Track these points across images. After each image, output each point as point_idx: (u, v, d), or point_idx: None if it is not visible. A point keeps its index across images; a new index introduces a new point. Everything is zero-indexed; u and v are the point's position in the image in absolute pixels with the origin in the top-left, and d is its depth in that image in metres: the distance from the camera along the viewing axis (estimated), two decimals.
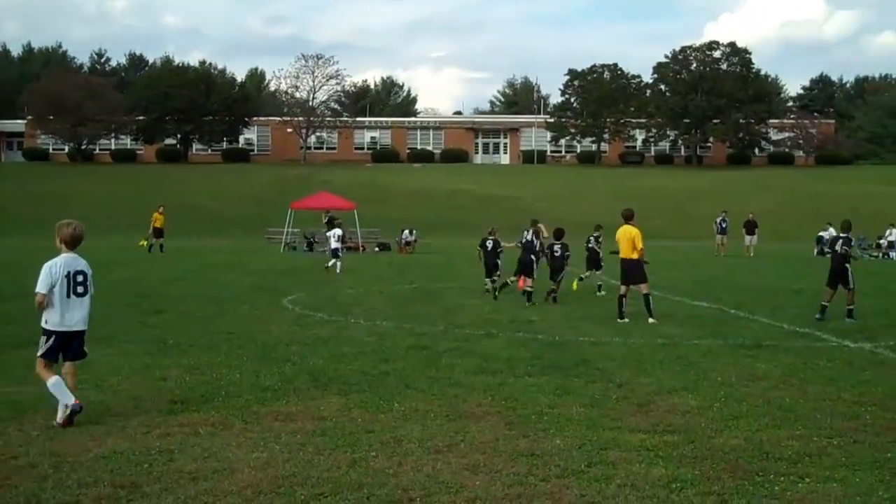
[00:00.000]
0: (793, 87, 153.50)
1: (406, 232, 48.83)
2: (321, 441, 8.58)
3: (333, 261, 31.34)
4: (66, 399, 9.10)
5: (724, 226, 45.30)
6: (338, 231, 33.42)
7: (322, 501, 6.84)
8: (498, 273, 24.05)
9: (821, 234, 48.09)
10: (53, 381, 9.19)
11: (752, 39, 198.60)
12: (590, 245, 24.53)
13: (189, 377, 11.80)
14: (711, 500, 6.92)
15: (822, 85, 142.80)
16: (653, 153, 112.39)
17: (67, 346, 9.44)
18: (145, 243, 44.01)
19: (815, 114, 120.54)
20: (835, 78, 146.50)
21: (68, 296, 9.29)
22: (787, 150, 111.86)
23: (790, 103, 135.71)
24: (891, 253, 46.46)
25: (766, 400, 10.49)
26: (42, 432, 8.84)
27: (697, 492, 7.12)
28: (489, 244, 24.38)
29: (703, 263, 27.69)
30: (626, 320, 17.85)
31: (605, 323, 17.94)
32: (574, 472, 7.59)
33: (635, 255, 18.03)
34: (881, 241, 48.50)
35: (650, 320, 17.62)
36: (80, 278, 9.32)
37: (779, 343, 15.18)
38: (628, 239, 18.07)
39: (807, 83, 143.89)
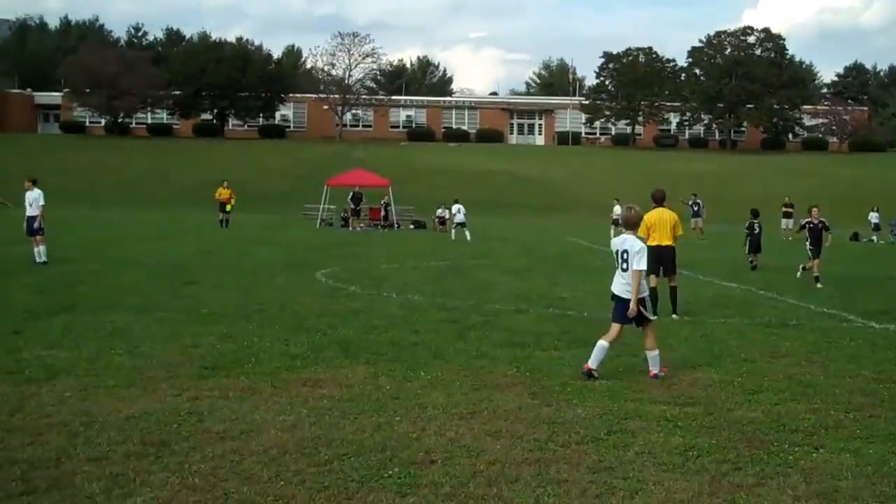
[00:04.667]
0: (827, 74, 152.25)
1: (440, 210, 48.91)
2: (347, 406, 8.73)
3: (458, 228, 39.69)
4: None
5: (695, 209, 45.10)
6: (462, 206, 41.16)
7: (346, 462, 6.98)
8: None
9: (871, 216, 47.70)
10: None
11: (790, 25, 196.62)
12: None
13: (220, 345, 11.97)
14: (726, 468, 7.03)
15: (856, 72, 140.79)
16: (687, 136, 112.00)
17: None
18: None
19: (849, 101, 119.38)
20: (869, 66, 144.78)
21: (620, 267, 10.63)
22: (820, 135, 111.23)
23: (824, 90, 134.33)
24: None
25: (788, 376, 10.54)
26: (74, 394, 9.04)
27: (713, 459, 7.23)
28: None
29: (734, 245, 27.67)
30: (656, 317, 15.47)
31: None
32: (593, 439, 7.71)
33: (671, 243, 15.95)
34: None
35: (673, 316, 15.52)
36: (625, 255, 10.52)
37: (805, 323, 15.16)
38: (666, 223, 15.88)
39: (841, 70, 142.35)
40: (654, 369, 10.37)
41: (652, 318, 10.79)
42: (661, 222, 15.90)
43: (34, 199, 22.92)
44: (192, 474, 6.64)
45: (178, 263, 23.35)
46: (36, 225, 22.47)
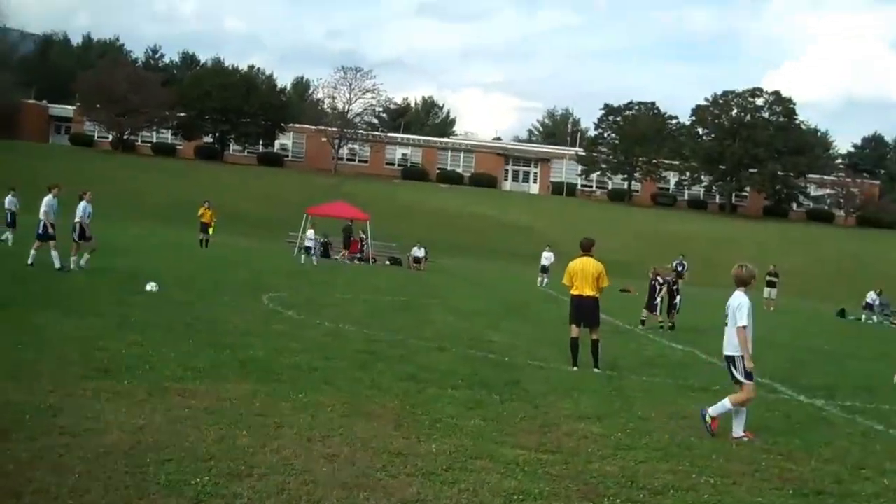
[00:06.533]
0: (844, 145, 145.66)
1: (415, 249, 49.05)
2: (206, 418, 8.82)
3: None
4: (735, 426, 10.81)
5: (679, 269, 44.53)
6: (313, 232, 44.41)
7: (163, 467, 7.07)
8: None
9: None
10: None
11: (814, 91, 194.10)
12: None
13: (126, 350, 12.13)
14: None
15: (874, 144, 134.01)
16: (686, 197, 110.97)
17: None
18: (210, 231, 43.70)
19: (865, 173, 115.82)
20: (890, 139, 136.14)
21: (724, 324, 11.12)
22: (826, 207, 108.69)
23: (839, 160, 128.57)
24: None
25: (674, 437, 10.29)
26: None
27: None
28: None
29: (705, 309, 27.80)
30: (577, 369, 15.27)
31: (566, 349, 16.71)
32: (425, 474, 7.67)
33: (594, 294, 15.63)
34: None
35: (595, 370, 15.18)
36: (727, 311, 10.99)
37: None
38: (590, 274, 15.56)
39: (858, 141, 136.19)
40: (736, 430, 10.67)
41: (746, 382, 10.94)
42: (584, 272, 15.65)
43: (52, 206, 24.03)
44: (11, 461, 6.77)
45: (139, 275, 23.36)
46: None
